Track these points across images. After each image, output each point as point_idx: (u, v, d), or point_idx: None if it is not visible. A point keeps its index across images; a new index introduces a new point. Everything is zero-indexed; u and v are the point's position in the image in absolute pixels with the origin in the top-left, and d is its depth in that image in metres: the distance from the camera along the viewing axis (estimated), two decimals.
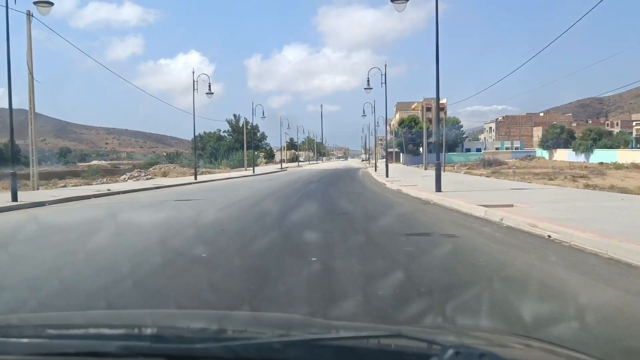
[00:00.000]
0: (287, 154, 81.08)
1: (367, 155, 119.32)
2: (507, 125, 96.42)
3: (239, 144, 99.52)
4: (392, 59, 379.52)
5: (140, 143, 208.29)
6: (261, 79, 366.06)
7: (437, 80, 15.35)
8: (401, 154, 76.34)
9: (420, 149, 72.73)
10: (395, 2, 16.04)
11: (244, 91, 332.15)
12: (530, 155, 71.16)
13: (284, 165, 67.81)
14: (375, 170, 39.47)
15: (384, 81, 26.80)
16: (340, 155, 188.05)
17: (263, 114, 51.72)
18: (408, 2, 16.15)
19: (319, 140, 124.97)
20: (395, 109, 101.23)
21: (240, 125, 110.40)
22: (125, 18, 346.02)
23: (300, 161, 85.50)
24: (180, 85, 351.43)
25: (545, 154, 75.24)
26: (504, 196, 12.82)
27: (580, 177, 25.88)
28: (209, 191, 20.55)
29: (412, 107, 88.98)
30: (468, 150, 77.70)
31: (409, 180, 23.32)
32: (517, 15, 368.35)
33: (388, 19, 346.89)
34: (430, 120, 71.72)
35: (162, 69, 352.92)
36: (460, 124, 77.65)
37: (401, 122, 75.37)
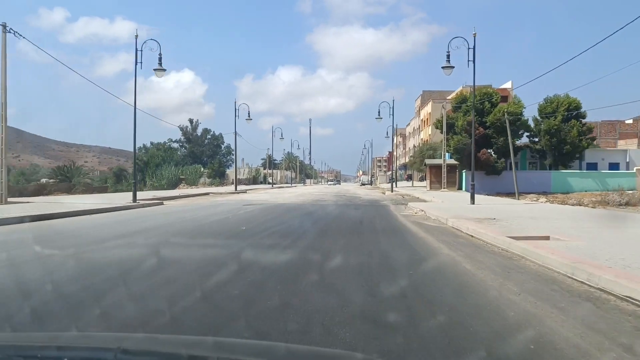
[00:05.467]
0: (244, 172, 57.09)
1: (370, 177, 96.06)
2: None
3: (192, 158, 76.76)
4: (390, 82, 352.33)
5: (121, 162, 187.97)
6: (252, 99, 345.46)
7: None
8: (460, 171, 38.04)
9: (494, 157, 35.91)
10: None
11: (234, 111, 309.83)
12: None
13: (240, 188, 42.89)
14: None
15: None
16: (331, 178, 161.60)
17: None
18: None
19: (307, 160, 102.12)
20: (419, 102, 76.60)
21: (199, 133, 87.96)
22: (116, 34, 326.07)
23: (269, 183, 61.46)
24: (172, 102, 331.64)
25: None
26: None
27: None
28: None
29: (449, 97, 58.38)
30: (592, 166, 42.29)
31: None
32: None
33: (388, 40, 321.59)
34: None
35: (154, 86, 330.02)
36: (582, 110, 37.83)
37: (460, 102, 38.94)
